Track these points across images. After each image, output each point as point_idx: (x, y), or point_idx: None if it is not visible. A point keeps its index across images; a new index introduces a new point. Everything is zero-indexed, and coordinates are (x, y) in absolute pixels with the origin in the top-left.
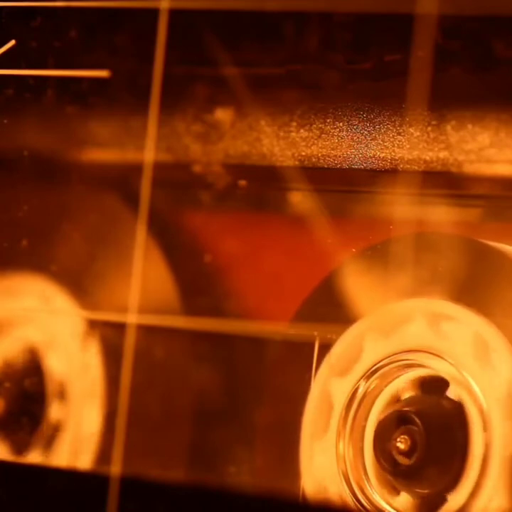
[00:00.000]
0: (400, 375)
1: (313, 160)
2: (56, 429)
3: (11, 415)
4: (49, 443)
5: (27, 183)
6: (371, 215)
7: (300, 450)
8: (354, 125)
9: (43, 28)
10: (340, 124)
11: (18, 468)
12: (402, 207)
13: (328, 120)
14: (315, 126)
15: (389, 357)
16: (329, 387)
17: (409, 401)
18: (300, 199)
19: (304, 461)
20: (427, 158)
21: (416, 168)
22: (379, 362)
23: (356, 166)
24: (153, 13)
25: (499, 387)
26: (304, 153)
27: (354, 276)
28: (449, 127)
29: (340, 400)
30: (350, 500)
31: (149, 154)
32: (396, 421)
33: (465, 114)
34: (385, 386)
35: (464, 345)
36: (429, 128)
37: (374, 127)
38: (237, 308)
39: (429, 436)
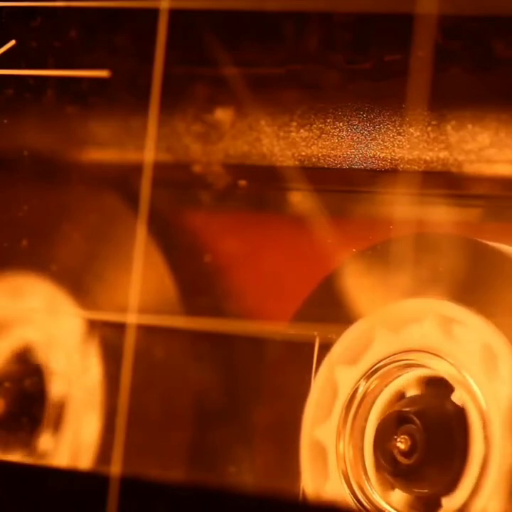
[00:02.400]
0: (399, 375)
1: (313, 160)
2: (56, 429)
3: (10, 415)
4: (49, 442)
5: (27, 183)
6: (371, 215)
7: (300, 450)
8: (354, 125)
9: (43, 28)
10: (340, 124)
11: (18, 468)
12: (402, 207)
13: (328, 120)
14: (315, 126)
15: (393, 355)
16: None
17: (409, 401)
18: (300, 199)
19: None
20: (427, 158)
21: (416, 168)
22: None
23: (356, 166)
24: (153, 13)
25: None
26: (304, 153)
27: (354, 277)
28: (449, 127)
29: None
30: (350, 500)
31: (149, 154)
32: (396, 421)
33: (465, 114)
34: (385, 386)
35: (471, 349)
36: (429, 128)
37: (374, 127)
38: (237, 308)
39: (429, 437)
